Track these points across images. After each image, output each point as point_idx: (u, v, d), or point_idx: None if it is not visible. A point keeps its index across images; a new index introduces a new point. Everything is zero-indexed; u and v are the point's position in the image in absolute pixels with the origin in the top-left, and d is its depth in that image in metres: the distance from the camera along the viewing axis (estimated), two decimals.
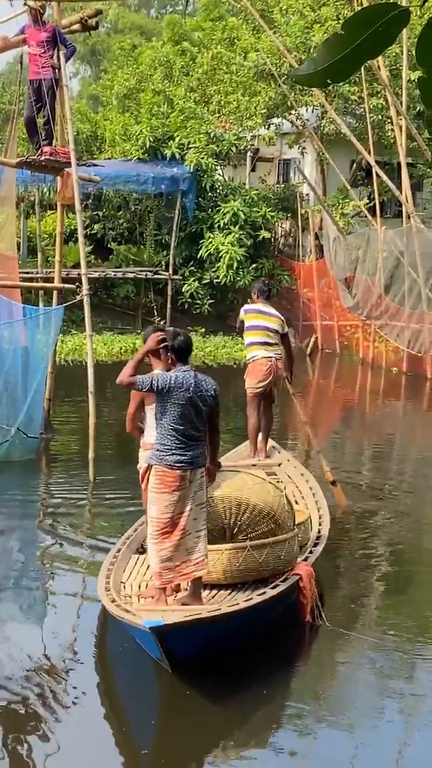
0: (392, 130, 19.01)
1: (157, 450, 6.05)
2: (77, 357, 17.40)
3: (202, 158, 20.70)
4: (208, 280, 21.00)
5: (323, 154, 20.62)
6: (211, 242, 20.72)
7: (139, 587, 6.59)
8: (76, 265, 16.82)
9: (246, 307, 9.46)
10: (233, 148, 22.09)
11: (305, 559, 6.85)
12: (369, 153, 18.31)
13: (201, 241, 21.01)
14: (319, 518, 7.84)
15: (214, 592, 6.52)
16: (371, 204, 19.74)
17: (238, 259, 20.35)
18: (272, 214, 21.54)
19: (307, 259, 22.44)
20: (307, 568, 6.63)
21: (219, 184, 21.92)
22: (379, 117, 19.95)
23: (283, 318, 9.45)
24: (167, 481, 5.98)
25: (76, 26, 11.43)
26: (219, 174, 22.46)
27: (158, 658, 5.59)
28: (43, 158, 10.91)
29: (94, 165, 14.04)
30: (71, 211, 13.12)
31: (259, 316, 9.24)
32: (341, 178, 20.46)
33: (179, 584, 6.36)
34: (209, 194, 21.53)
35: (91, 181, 13.14)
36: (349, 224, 20.92)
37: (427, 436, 14.44)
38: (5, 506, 9.42)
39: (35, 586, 7.50)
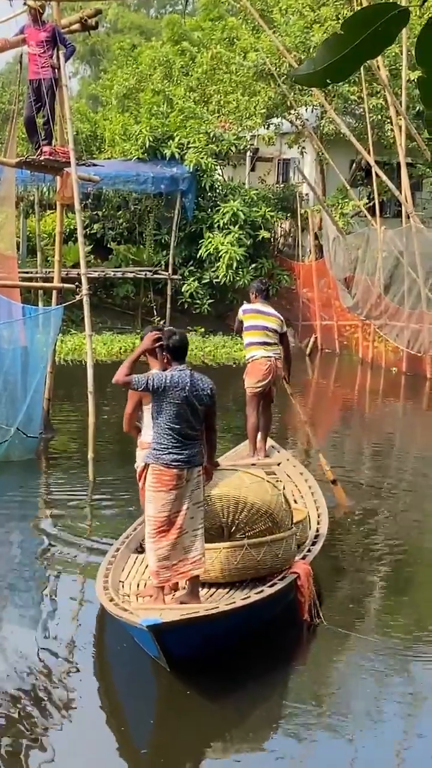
0: (392, 130, 19.02)
1: (154, 449, 6.07)
2: (77, 357, 17.40)
3: (202, 158, 20.70)
4: (208, 280, 21.00)
5: (323, 153, 20.62)
6: (210, 242, 20.72)
7: (138, 586, 6.60)
8: (76, 265, 16.83)
9: (244, 307, 9.45)
10: (233, 148, 22.09)
11: (303, 558, 6.86)
12: (368, 153, 18.32)
13: (200, 241, 21.01)
14: (318, 517, 7.85)
15: (213, 590, 6.52)
16: (371, 204, 19.75)
17: (238, 258, 20.35)
18: (272, 214, 21.54)
19: (307, 259, 22.44)
20: (304, 566, 6.64)
21: (218, 183, 21.92)
22: (379, 117, 19.94)
23: (281, 317, 9.46)
24: (164, 480, 5.99)
25: (76, 26, 11.43)
26: (218, 174, 22.45)
27: (156, 656, 5.61)
28: (42, 158, 10.91)
29: (94, 165, 14.02)
30: (71, 210, 13.11)
31: (258, 316, 9.24)
32: (341, 177, 20.46)
33: (178, 583, 6.37)
34: (209, 194, 21.53)
35: (90, 180, 13.14)
36: (348, 224, 20.92)
37: (426, 436, 14.45)
38: (5, 506, 9.42)
39: (34, 586, 7.50)
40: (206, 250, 20.77)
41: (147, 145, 20.91)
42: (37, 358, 10.94)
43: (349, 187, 20.75)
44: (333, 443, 13.11)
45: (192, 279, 21.08)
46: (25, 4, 10.80)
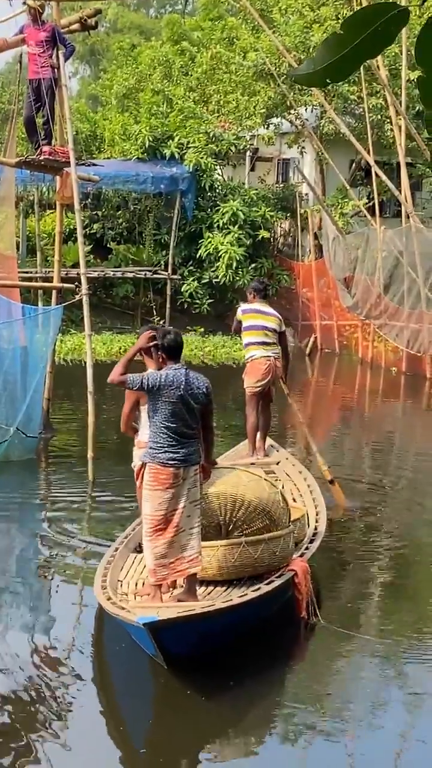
0: (391, 129, 19.02)
1: (151, 448, 6.08)
2: (76, 356, 17.40)
3: (202, 158, 20.70)
4: (207, 280, 21.00)
5: (322, 153, 20.62)
6: (210, 242, 20.72)
7: (136, 585, 6.60)
8: (75, 265, 16.83)
9: (243, 306, 9.45)
10: (232, 148, 22.09)
11: (301, 556, 6.88)
12: (368, 153, 18.32)
13: (200, 241, 21.01)
14: (316, 515, 7.86)
15: (210, 588, 6.53)
16: (370, 204, 19.75)
17: (238, 258, 20.35)
18: (271, 213, 21.54)
19: (307, 259, 22.44)
20: (302, 563, 6.65)
21: (218, 183, 21.92)
22: (379, 117, 19.94)
23: (280, 316, 9.47)
24: (160, 479, 6.01)
25: (76, 26, 11.43)
26: (218, 174, 22.45)
27: (153, 654, 5.62)
28: (42, 158, 10.91)
29: (94, 164, 14.01)
30: (70, 210, 13.11)
31: (257, 316, 9.25)
32: (340, 177, 20.46)
33: (176, 581, 6.38)
34: (208, 194, 21.53)
35: (90, 180, 13.14)
36: (348, 224, 20.92)
37: (426, 436, 14.45)
38: (4, 506, 9.42)
39: (33, 586, 7.51)
40: (206, 250, 20.77)
41: (146, 145, 20.92)
42: (37, 357, 10.94)
43: (348, 187, 20.75)
44: (333, 443, 13.11)
45: (191, 279, 21.08)
46: (24, 3, 10.80)
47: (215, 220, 20.94)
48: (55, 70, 10.90)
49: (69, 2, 13.32)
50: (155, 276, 21.00)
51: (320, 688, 5.96)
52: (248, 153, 24.68)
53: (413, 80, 16.44)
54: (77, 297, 10.89)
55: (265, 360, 9.16)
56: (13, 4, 10.84)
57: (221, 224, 20.83)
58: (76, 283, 11.15)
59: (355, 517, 9.29)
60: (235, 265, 20.35)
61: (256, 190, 22.78)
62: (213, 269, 20.79)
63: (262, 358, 9.17)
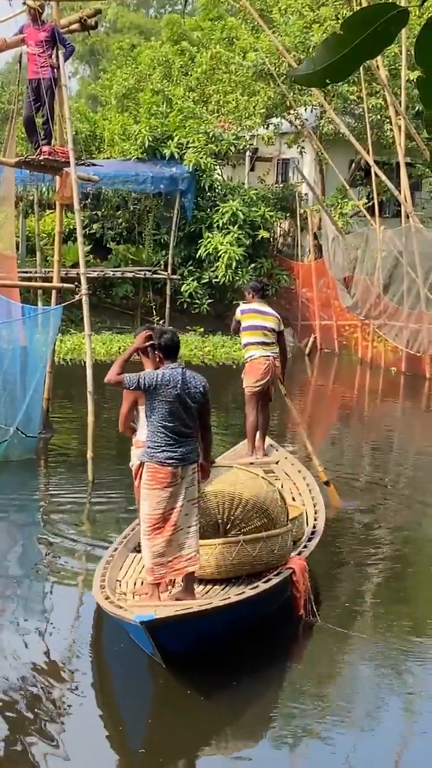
0: (391, 129, 19.03)
1: (148, 447, 6.09)
2: (76, 356, 17.41)
3: (201, 158, 20.70)
4: (207, 280, 21.00)
5: (322, 153, 20.63)
6: (209, 242, 20.73)
7: (135, 585, 6.61)
8: (75, 265, 16.84)
9: (242, 306, 9.46)
10: (232, 148, 22.09)
11: (299, 554, 6.88)
12: (368, 153, 18.33)
13: (200, 241, 21.01)
14: (315, 514, 7.86)
15: (208, 587, 6.53)
16: (370, 204, 19.76)
17: (237, 258, 20.36)
18: (271, 213, 21.54)
19: (306, 259, 22.44)
20: (300, 562, 6.66)
21: (218, 183, 21.92)
22: (378, 117, 19.96)
23: (279, 316, 9.48)
24: (158, 478, 6.01)
25: (75, 26, 11.44)
26: (218, 174, 22.45)
27: (151, 652, 5.63)
28: (42, 158, 10.92)
29: (93, 164, 14.01)
30: (70, 210, 13.09)
31: (256, 316, 9.26)
32: (340, 177, 20.47)
33: (174, 580, 6.38)
34: (208, 194, 21.53)
35: (89, 180, 13.15)
36: (347, 224, 20.93)
37: (425, 435, 14.46)
38: (4, 506, 9.42)
39: (32, 586, 7.51)
40: (205, 250, 20.78)
41: (146, 145, 20.92)
42: (37, 357, 10.94)
43: (348, 187, 20.76)
44: (332, 442, 13.12)
45: (191, 279, 21.08)
46: (24, 3, 10.81)
47: (215, 220, 20.95)
48: (55, 70, 10.90)
49: (69, 2, 13.33)
50: (155, 276, 21.00)
51: (318, 687, 5.97)
52: (248, 153, 24.68)
53: (413, 80, 16.46)
54: (77, 297, 10.89)
55: (264, 360, 9.18)
56: (12, 4, 10.85)
57: (221, 224, 20.83)
58: (76, 283, 11.16)
59: (353, 516, 9.29)
60: (234, 265, 20.36)
61: (256, 190, 22.78)
62: (212, 269, 20.80)
63: (261, 358, 9.18)
